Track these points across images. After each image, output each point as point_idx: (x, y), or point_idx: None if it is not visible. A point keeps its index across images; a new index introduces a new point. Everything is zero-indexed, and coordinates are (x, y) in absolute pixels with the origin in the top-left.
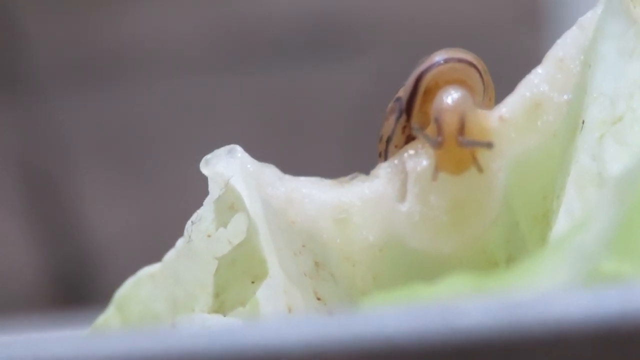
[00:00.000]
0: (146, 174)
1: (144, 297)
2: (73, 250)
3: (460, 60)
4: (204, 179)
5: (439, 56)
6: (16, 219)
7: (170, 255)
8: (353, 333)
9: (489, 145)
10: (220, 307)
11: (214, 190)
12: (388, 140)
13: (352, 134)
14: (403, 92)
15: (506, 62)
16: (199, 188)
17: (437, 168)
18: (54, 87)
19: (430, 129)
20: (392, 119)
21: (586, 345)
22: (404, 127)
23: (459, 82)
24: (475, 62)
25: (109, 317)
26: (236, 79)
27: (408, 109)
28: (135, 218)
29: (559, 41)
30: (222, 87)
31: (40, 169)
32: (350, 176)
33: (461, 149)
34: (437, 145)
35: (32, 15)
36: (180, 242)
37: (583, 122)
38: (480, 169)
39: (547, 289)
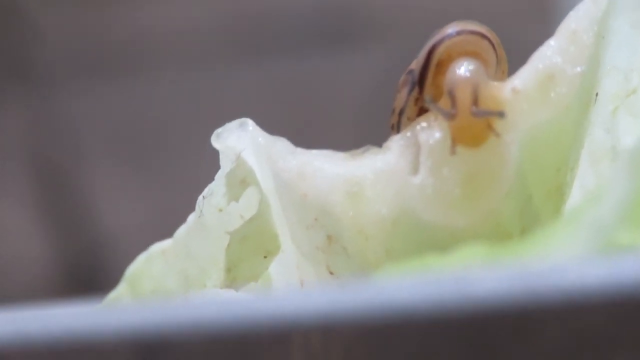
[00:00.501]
0: (157, 166)
1: (156, 272)
2: (84, 242)
3: (472, 32)
4: (215, 170)
5: (451, 28)
6: (28, 211)
7: (181, 230)
8: (365, 303)
9: (500, 114)
10: (232, 282)
11: (225, 164)
12: (400, 113)
13: (365, 123)
14: (415, 65)
15: (516, 53)
16: (210, 179)
17: (455, 141)
18: (65, 80)
19: (443, 101)
20: (405, 91)
21: (601, 313)
22: (417, 100)
23: (472, 54)
24: (488, 34)
25: (121, 293)
26: (247, 69)
27: (421, 81)
28: (146, 210)
29: (571, 13)
30: (234, 79)
31: (52, 161)
32: (362, 149)
33: (475, 120)
34: (451, 117)
35: (44, 8)
36: (191, 217)
37: (596, 95)
38: (497, 134)
39: (561, 258)
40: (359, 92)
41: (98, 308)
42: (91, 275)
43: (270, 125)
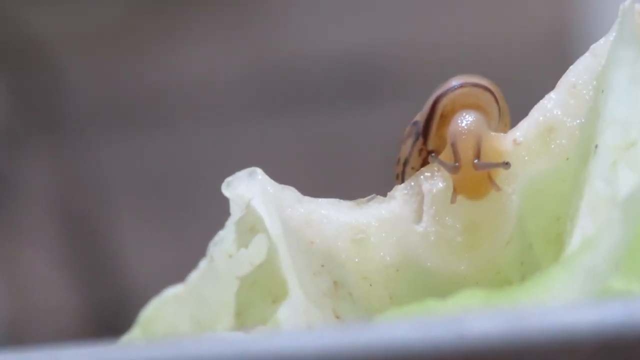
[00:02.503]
0: (185, 217)
1: (168, 317)
2: (113, 292)
3: (475, 85)
4: None
5: (455, 81)
6: (56, 261)
7: (193, 276)
8: (364, 342)
9: (505, 165)
10: (241, 326)
11: (235, 211)
12: (405, 163)
13: (385, 178)
14: (420, 116)
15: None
16: None
17: (456, 191)
18: (93, 130)
19: (446, 154)
20: (410, 142)
21: (591, 354)
22: (421, 150)
23: (475, 107)
24: (491, 87)
25: (134, 336)
26: (275, 122)
27: (425, 132)
28: (174, 260)
29: (571, 67)
30: (262, 130)
31: (80, 210)
32: (367, 198)
33: (477, 173)
34: (454, 170)
35: (73, 59)
36: (203, 263)
37: (596, 147)
38: (498, 188)
39: (553, 302)
40: (380, 147)
41: (105, 348)
42: (117, 324)
43: (290, 178)
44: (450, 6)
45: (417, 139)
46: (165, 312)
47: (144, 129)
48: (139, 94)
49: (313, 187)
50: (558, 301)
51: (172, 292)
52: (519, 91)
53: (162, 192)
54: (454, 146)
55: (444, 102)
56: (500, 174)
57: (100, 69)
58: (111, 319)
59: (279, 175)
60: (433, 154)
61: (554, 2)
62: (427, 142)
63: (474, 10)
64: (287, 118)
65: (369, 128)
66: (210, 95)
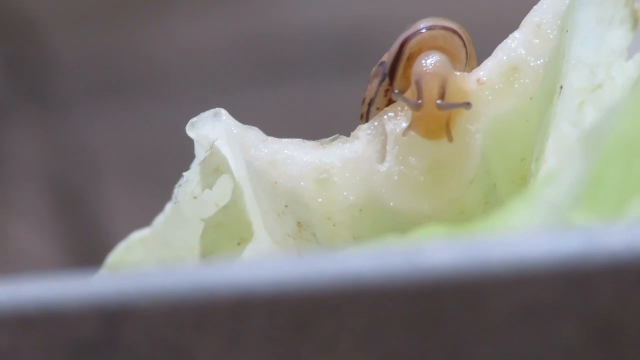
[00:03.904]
0: (172, 187)
1: (135, 260)
2: (99, 261)
3: (444, 28)
4: None
5: (423, 23)
6: (45, 232)
7: (159, 219)
8: (319, 272)
9: (467, 105)
10: None
11: (199, 153)
12: (370, 103)
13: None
14: (387, 57)
15: None
16: None
17: (410, 127)
18: (82, 103)
19: (410, 92)
20: (375, 82)
21: (547, 284)
22: (387, 91)
23: (442, 49)
24: (459, 30)
25: None
26: (264, 92)
27: (391, 73)
28: None
29: (535, 7)
30: (247, 102)
31: (69, 182)
32: (331, 138)
33: (439, 114)
34: (417, 107)
35: (61, 32)
36: (168, 206)
37: (561, 88)
38: (450, 139)
39: (508, 233)
40: None
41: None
42: None
43: None
44: None
45: (383, 79)
46: (131, 255)
47: (132, 100)
48: (128, 65)
49: None
50: (516, 232)
51: (138, 236)
52: None
53: (151, 163)
54: (418, 84)
55: (412, 43)
56: (463, 115)
57: (89, 42)
58: None
59: None
60: (397, 91)
61: None
62: (393, 83)
63: None
64: (276, 88)
65: (358, 98)
66: (199, 67)
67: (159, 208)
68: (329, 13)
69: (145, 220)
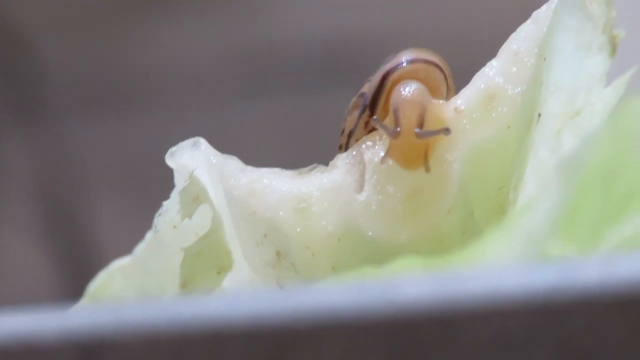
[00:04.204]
0: (161, 201)
1: (116, 288)
2: (89, 274)
3: (426, 62)
4: None
5: (405, 56)
6: (35, 244)
7: (139, 247)
8: (295, 305)
9: (445, 131)
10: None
11: (179, 182)
12: (350, 135)
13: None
14: (368, 88)
15: None
16: None
17: (387, 155)
18: (71, 116)
19: (389, 121)
20: (355, 113)
21: (521, 316)
22: (367, 123)
23: (423, 82)
24: (440, 64)
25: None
26: (253, 105)
27: (372, 105)
28: None
29: (513, 35)
30: (240, 114)
31: (58, 195)
32: (309, 167)
33: (417, 142)
34: (395, 135)
35: (50, 44)
36: (148, 235)
37: (539, 115)
38: (427, 169)
39: (484, 266)
40: None
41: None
42: None
43: (268, 161)
44: None
45: (363, 111)
46: (112, 283)
47: (121, 113)
48: (118, 78)
49: (291, 167)
50: (490, 265)
51: (119, 264)
52: None
53: (140, 176)
54: (396, 112)
55: (394, 77)
56: (441, 143)
57: (78, 53)
58: None
59: (257, 158)
60: (375, 117)
61: None
62: (374, 114)
63: None
64: (265, 101)
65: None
66: (188, 79)
67: (148, 221)
68: (318, 26)
69: (134, 233)
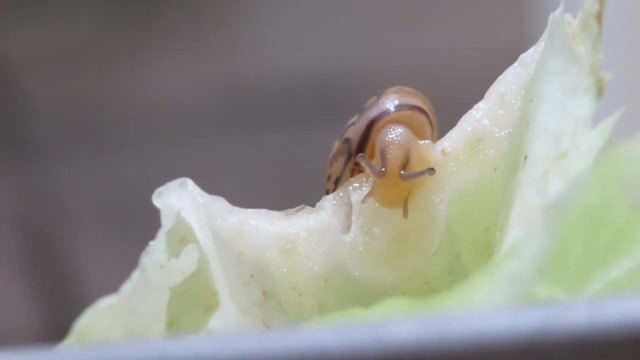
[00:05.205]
0: (145, 236)
1: (102, 327)
2: (72, 312)
3: (411, 108)
4: None
5: (390, 103)
6: (16, 280)
7: (126, 286)
8: (283, 347)
9: (430, 171)
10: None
11: (166, 222)
12: (336, 182)
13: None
14: (353, 134)
15: None
16: None
17: (370, 193)
18: (54, 150)
19: (375, 161)
20: (341, 160)
21: (508, 358)
22: (353, 170)
23: (408, 125)
24: (424, 106)
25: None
26: (237, 142)
27: (358, 152)
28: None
29: (500, 77)
30: (223, 150)
31: (41, 230)
32: (296, 208)
33: (401, 184)
34: (380, 175)
35: (34, 79)
36: (135, 274)
37: (525, 157)
38: (406, 214)
39: (470, 308)
40: None
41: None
42: None
43: (253, 197)
44: (409, 29)
45: (349, 158)
46: (99, 322)
47: (105, 148)
48: (101, 113)
49: (276, 205)
50: (477, 307)
51: (105, 303)
52: None
53: (122, 212)
54: (382, 153)
55: (379, 125)
56: (428, 185)
57: (63, 90)
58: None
59: (241, 193)
60: (362, 154)
61: (514, 21)
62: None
63: (434, 32)
64: (249, 137)
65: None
66: (173, 115)
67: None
68: (304, 61)
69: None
